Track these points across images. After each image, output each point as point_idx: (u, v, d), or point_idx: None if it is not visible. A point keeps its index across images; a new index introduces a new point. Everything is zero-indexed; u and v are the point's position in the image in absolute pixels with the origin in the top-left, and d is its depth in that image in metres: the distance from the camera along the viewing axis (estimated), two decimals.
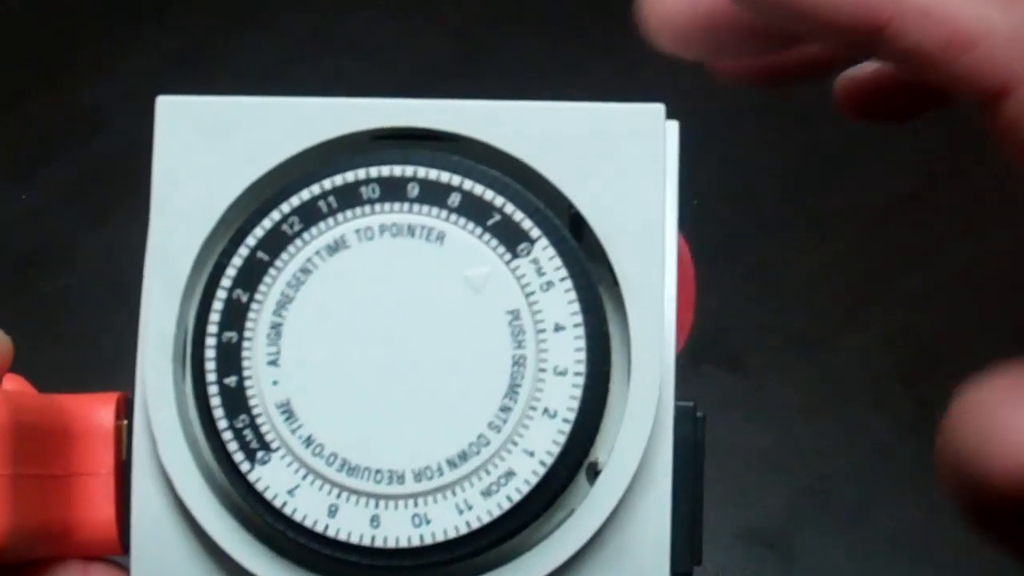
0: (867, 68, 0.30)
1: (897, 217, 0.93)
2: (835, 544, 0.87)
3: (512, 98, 0.31)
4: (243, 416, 0.30)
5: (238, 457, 0.30)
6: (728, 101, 0.85)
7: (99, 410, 0.31)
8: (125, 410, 0.31)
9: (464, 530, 0.29)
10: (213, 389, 0.30)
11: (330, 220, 0.30)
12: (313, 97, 0.31)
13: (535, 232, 0.30)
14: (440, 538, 0.29)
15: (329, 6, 0.90)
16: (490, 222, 0.30)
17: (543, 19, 0.91)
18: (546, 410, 0.30)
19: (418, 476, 0.29)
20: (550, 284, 0.30)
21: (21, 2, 0.90)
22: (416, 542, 0.29)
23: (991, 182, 0.92)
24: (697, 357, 0.91)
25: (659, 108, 0.31)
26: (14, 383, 0.32)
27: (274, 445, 0.30)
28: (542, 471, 0.29)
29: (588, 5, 0.93)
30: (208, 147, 0.31)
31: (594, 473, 0.30)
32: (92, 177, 0.82)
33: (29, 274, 0.81)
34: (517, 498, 0.29)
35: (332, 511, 0.29)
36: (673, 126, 0.31)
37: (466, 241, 0.30)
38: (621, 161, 0.30)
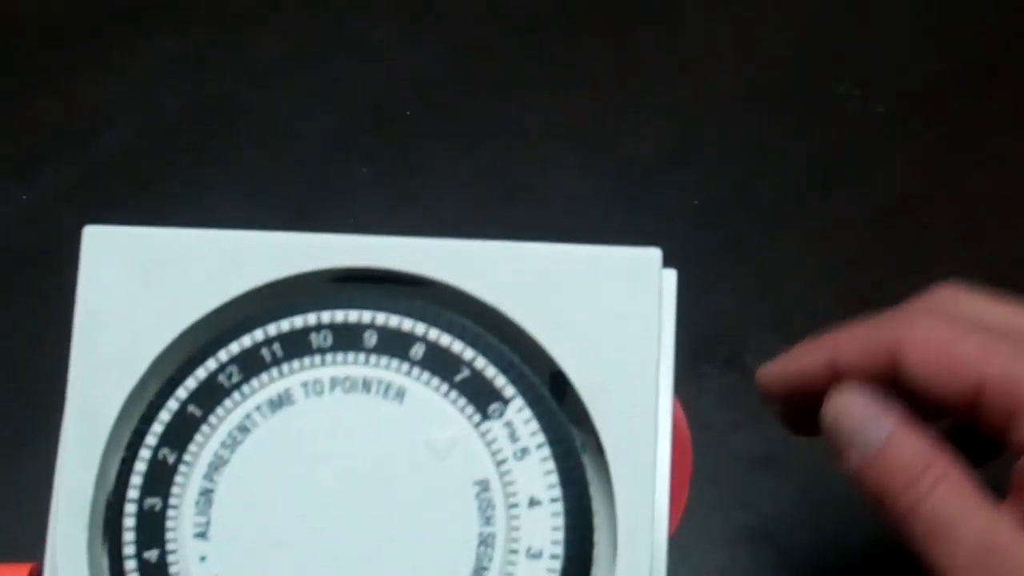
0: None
1: (897, 219, 0.88)
2: (836, 544, 0.82)
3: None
4: None
5: None
6: (728, 100, 0.79)
7: None
8: None
9: None
10: (131, 564, 0.24)
11: (274, 371, 0.25)
12: (262, 232, 0.25)
13: (509, 391, 0.24)
14: None
15: (329, 6, 0.84)
16: (458, 378, 0.24)
17: (543, 19, 0.85)
18: None
19: None
20: (525, 451, 0.24)
21: (21, 2, 0.84)
22: None
23: (991, 186, 0.86)
24: (697, 357, 0.86)
25: (655, 254, 0.25)
26: None
27: None
28: None
29: (588, 5, 0.87)
30: (140, 285, 0.25)
31: None
32: (92, 177, 0.77)
33: (29, 274, 0.75)
34: None
35: None
36: (671, 275, 0.25)
37: (429, 399, 0.24)
38: (610, 313, 0.25)
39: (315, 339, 0.25)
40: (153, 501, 0.24)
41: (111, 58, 0.80)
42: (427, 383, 0.24)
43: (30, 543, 0.27)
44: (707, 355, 0.92)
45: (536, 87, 0.83)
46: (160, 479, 0.24)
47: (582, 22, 0.84)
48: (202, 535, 0.24)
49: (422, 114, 0.83)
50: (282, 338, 0.25)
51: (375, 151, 0.81)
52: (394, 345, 0.25)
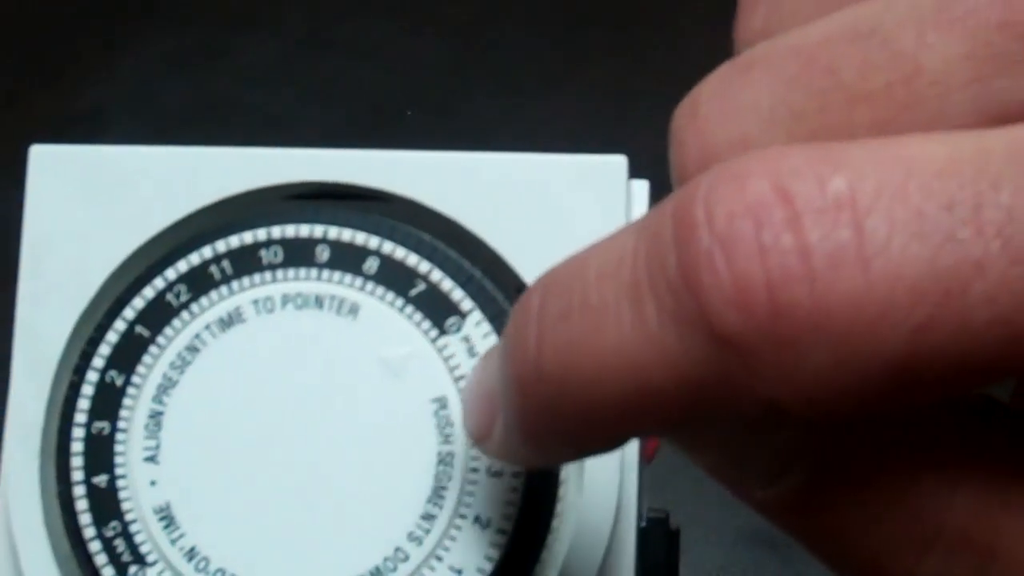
0: None
1: None
2: None
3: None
4: (114, 523, 0.23)
5: (107, 572, 0.23)
6: None
7: None
8: None
9: None
10: (80, 490, 0.23)
11: (223, 289, 0.23)
12: (213, 147, 0.24)
13: (467, 304, 0.23)
14: None
15: (329, 6, 0.83)
16: (413, 292, 0.23)
17: (543, 19, 0.84)
18: (478, 518, 0.23)
19: None
20: None
21: (21, 2, 0.83)
22: None
23: None
24: None
25: (620, 160, 0.24)
26: None
27: (150, 558, 0.23)
28: None
29: (588, 5, 0.86)
30: (88, 206, 0.24)
31: None
32: None
33: None
34: None
35: None
36: (642, 186, 0.24)
37: (384, 315, 0.23)
38: (575, 223, 0.23)
39: (265, 255, 0.23)
40: (101, 425, 0.23)
41: (112, 57, 0.79)
42: (381, 298, 0.23)
43: None
44: None
45: (536, 87, 0.82)
46: (108, 402, 0.23)
47: (582, 22, 0.84)
48: (152, 459, 0.23)
49: (422, 114, 0.83)
50: (231, 255, 0.23)
51: (375, 149, 0.80)
52: (347, 260, 0.23)
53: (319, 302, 0.23)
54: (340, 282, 0.23)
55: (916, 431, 0.17)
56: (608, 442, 0.18)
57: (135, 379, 0.23)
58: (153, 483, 0.23)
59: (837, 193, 0.15)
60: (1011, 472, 0.16)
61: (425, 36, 0.80)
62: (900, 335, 0.15)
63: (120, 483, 0.23)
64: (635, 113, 0.82)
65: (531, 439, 0.19)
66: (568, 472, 0.23)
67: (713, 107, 0.17)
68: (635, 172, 0.24)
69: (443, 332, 0.23)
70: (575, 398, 0.17)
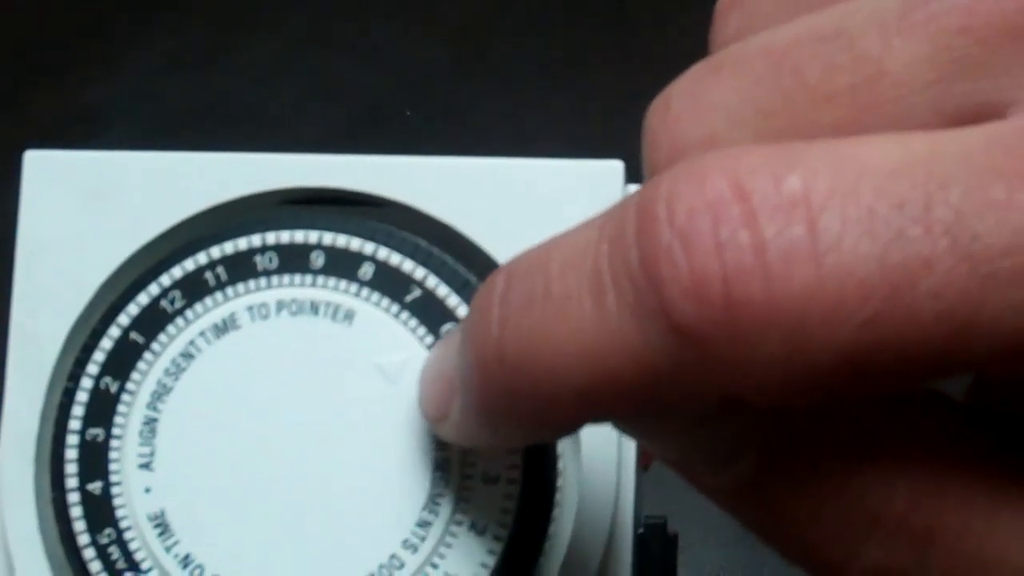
0: None
1: None
2: None
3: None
4: (108, 530, 0.23)
5: None
6: None
7: None
8: None
9: None
10: (74, 497, 0.23)
11: (218, 295, 0.23)
12: (209, 153, 0.24)
13: (462, 310, 0.23)
14: None
15: (329, 6, 0.83)
16: (408, 298, 0.23)
17: (543, 19, 0.84)
18: (473, 525, 0.23)
19: None
20: None
21: (21, 2, 0.83)
22: None
23: None
24: None
25: (616, 166, 0.24)
26: None
27: (145, 565, 0.23)
28: None
29: (588, 5, 0.86)
30: (83, 211, 0.24)
31: None
32: None
33: None
34: None
35: None
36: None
37: (379, 321, 0.23)
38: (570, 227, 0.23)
39: (260, 261, 0.23)
40: (96, 432, 0.23)
41: (111, 57, 0.79)
42: (377, 304, 0.23)
43: None
44: None
45: (536, 86, 0.82)
46: (103, 409, 0.23)
47: (582, 22, 0.84)
48: (146, 466, 0.23)
49: (422, 114, 0.83)
50: (225, 261, 0.23)
51: (374, 150, 0.80)
52: (342, 265, 0.23)
53: (314, 308, 0.23)
54: (335, 288, 0.23)
55: (861, 422, 0.17)
56: (561, 427, 0.19)
57: (130, 386, 0.23)
58: (148, 490, 0.23)
59: (792, 191, 0.15)
60: (948, 464, 0.17)
61: (425, 36, 0.80)
62: (850, 328, 0.15)
63: (114, 490, 0.23)
64: (634, 114, 0.82)
65: (487, 421, 0.19)
66: (565, 479, 0.23)
67: (684, 105, 0.18)
68: (633, 175, 0.24)
69: (438, 338, 0.23)
70: (534, 383, 0.17)
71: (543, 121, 0.79)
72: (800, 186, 0.16)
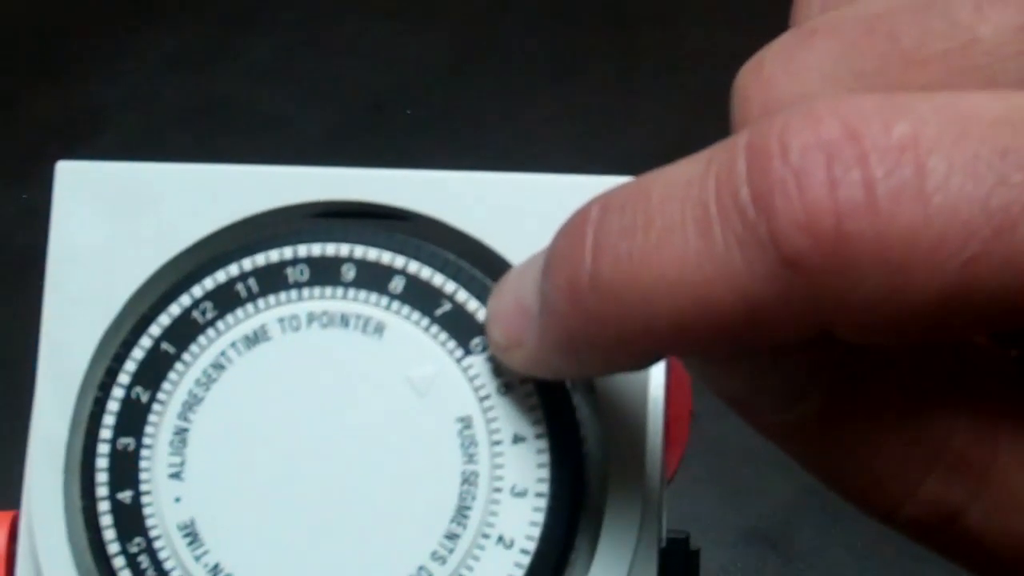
0: None
1: None
2: (837, 543, 0.80)
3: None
4: (138, 539, 0.23)
5: None
6: (726, 99, 0.79)
7: None
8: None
9: None
10: (104, 506, 0.23)
11: (249, 307, 0.24)
12: (239, 165, 0.24)
13: None
14: None
15: (328, 6, 0.83)
16: (439, 312, 0.23)
17: (543, 19, 0.84)
18: (501, 538, 0.23)
19: None
20: (508, 386, 0.23)
21: (21, 2, 0.83)
22: None
23: None
24: None
25: None
26: None
27: (174, 574, 0.23)
28: None
29: (588, 5, 0.86)
30: (114, 222, 0.24)
31: None
32: None
33: (29, 274, 0.74)
34: None
35: None
36: None
37: (409, 334, 0.23)
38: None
39: (291, 273, 0.23)
40: (126, 441, 0.23)
41: (111, 57, 0.79)
42: (407, 317, 0.23)
43: (14, 491, 0.26)
44: None
45: (536, 86, 0.82)
46: (133, 419, 0.23)
47: (582, 21, 0.84)
48: (177, 475, 0.23)
49: (422, 113, 0.83)
50: (257, 273, 0.24)
51: (375, 150, 0.80)
52: (373, 279, 0.23)
53: (344, 321, 0.23)
54: (366, 301, 0.23)
55: (925, 364, 0.18)
56: (646, 357, 0.19)
57: (160, 396, 0.23)
58: (178, 500, 0.23)
59: (902, 136, 0.16)
60: (1002, 406, 0.18)
61: (425, 36, 0.81)
62: (952, 267, 0.16)
63: (144, 499, 0.23)
64: (634, 114, 0.82)
65: (568, 349, 0.19)
66: (592, 493, 0.23)
67: (777, 66, 0.18)
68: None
69: (468, 352, 0.23)
70: (629, 309, 0.18)
71: (543, 121, 0.79)
72: (910, 131, 0.16)
